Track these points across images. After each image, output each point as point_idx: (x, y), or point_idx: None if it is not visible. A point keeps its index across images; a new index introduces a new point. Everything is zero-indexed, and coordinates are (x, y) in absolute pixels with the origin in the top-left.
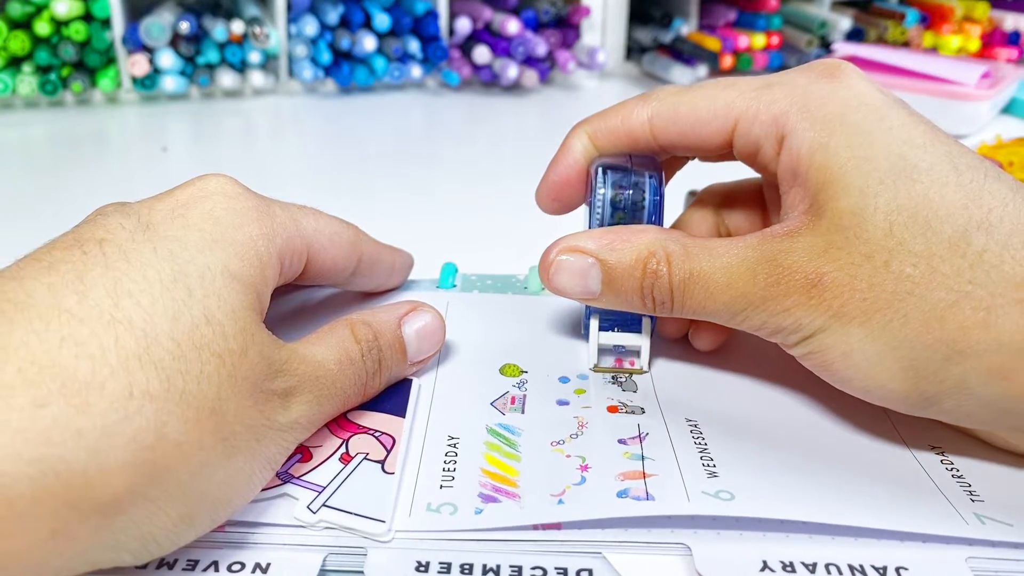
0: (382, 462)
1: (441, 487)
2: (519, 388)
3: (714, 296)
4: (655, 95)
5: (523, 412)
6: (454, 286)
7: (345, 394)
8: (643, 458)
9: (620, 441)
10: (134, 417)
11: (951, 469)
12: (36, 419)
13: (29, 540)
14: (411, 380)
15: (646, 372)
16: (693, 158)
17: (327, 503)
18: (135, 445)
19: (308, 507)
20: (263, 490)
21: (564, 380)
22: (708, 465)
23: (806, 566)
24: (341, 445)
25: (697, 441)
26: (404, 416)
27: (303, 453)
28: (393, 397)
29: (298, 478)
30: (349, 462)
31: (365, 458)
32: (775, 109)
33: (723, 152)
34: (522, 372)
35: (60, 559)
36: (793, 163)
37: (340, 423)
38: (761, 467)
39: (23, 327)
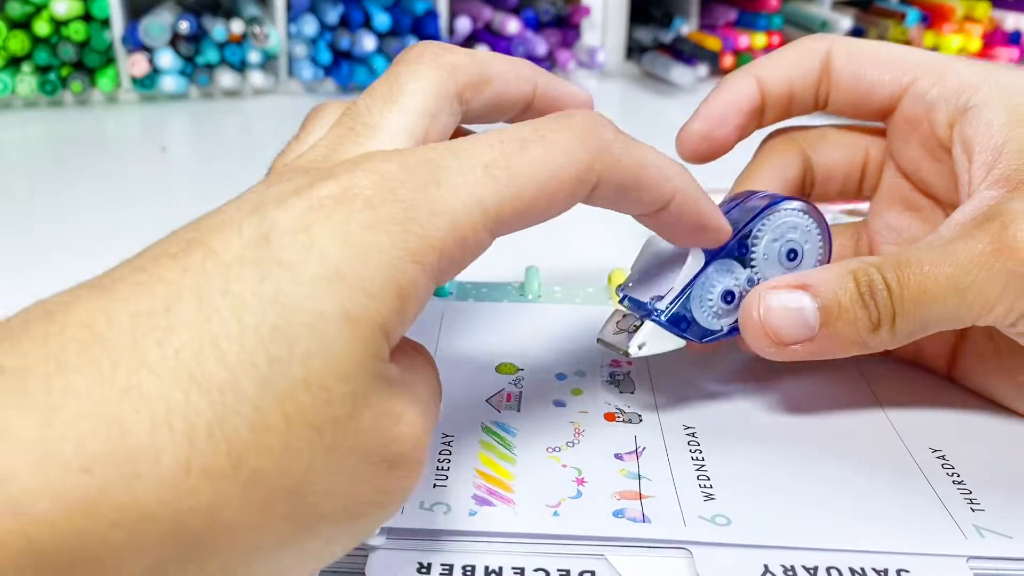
0: None
1: (435, 485)
2: (515, 385)
3: (944, 299)
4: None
5: (519, 410)
6: (450, 294)
7: None
8: (639, 477)
9: (617, 456)
10: (185, 498)
11: (952, 474)
12: (79, 486)
13: None
14: None
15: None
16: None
17: None
18: (177, 527)
19: None
20: None
21: (561, 377)
22: (705, 486)
23: (807, 570)
24: None
25: (694, 455)
26: None
27: None
28: None
29: None
30: None
31: None
32: (963, 78)
33: (882, 112)
34: (518, 369)
35: None
36: (980, 135)
37: None
38: (758, 483)
39: (92, 369)
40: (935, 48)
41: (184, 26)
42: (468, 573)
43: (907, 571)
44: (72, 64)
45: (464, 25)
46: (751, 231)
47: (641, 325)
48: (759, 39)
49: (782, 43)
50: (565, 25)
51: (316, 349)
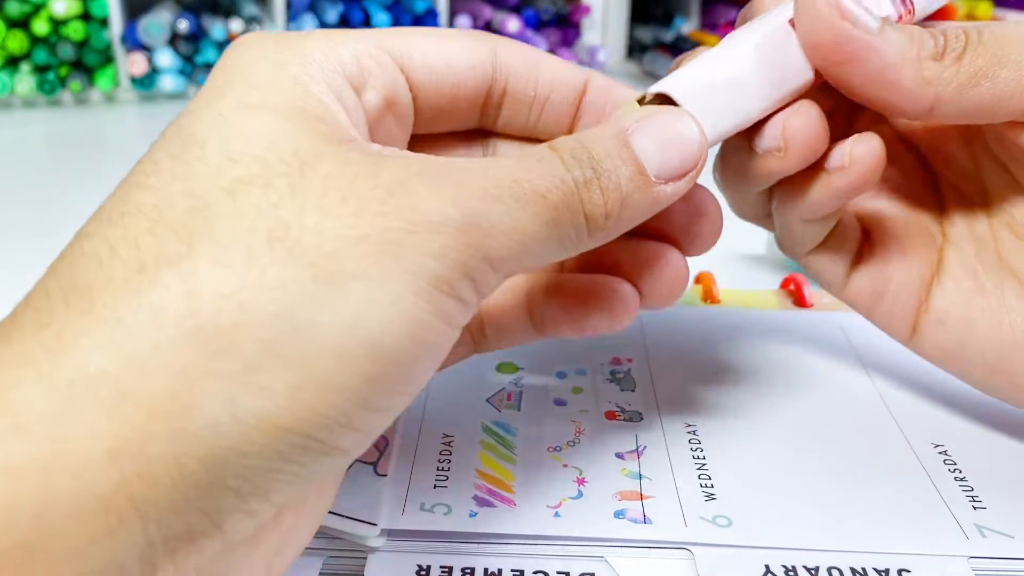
0: (374, 464)
1: (435, 487)
2: (515, 384)
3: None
4: None
5: (519, 409)
6: None
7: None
8: (640, 477)
9: (618, 455)
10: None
11: (954, 471)
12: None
13: None
14: None
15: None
16: None
17: None
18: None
19: None
20: None
21: (562, 376)
22: (706, 486)
23: (808, 570)
24: None
25: (696, 454)
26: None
27: None
28: None
29: None
30: None
31: (357, 460)
32: None
33: None
34: (519, 368)
35: None
36: None
37: None
38: (759, 483)
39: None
40: None
41: (183, 25)
42: (467, 575)
43: (908, 571)
44: (71, 63)
45: (464, 24)
46: None
47: None
48: None
49: None
50: (565, 24)
51: None
